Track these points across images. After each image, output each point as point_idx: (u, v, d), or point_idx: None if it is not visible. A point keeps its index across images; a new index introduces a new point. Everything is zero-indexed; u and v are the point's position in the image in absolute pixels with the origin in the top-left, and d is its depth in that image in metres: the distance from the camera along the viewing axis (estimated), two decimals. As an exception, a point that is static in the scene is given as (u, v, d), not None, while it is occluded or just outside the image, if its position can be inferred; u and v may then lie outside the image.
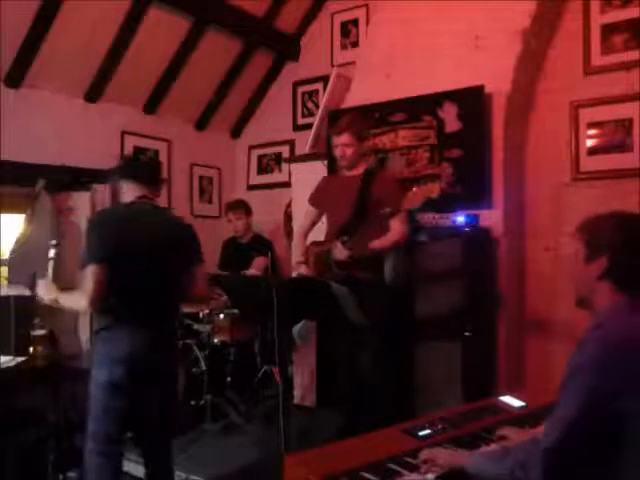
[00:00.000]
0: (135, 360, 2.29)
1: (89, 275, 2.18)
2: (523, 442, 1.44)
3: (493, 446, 1.65)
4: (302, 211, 4.28)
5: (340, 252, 2.99)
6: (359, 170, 3.22)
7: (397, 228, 3.06)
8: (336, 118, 3.96)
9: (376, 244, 3.04)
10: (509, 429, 1.74)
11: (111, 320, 2.31)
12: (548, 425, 1.35)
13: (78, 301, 2.27)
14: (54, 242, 2.53)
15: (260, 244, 4.51)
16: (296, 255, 3.42)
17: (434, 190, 2.70)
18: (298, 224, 3.55)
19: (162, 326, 2.42)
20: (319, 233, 3.44)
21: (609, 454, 1.28)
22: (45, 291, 2.40)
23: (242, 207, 4.58)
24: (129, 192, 2.47)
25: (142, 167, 2.64)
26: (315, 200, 3.42)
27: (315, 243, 3.35)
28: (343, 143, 3.17)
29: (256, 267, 4.26)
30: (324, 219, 3.41)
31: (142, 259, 2.32)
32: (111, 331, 2.31)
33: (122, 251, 2.27)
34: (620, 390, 1.28)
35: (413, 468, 1.51)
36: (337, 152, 3.22)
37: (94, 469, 2.35)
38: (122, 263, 2.25)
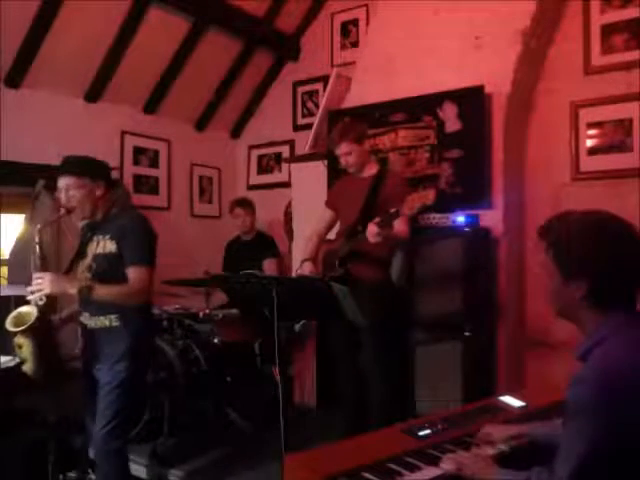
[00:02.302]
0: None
1: (147, 276, 2.39)
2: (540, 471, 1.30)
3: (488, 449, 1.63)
4: (302, 211, 4.30)
5: (372, 229, 2.92)
6: (371, 170, 3.23)
7: (399, 228, 3.06)
8: (336, 118, 3.97)
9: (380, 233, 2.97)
10: (492, 426, 1.72)
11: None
12: (561, 455, 1.24)
13: (130, 296, 2.37)
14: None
15: (264, 241, 4.57)
16: (303, 254, 3.41)
17: (429, 196, 2.72)
18: (312, 227, 3.52)
19: None
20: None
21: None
22: (67, 284, 2.35)
23: (249, 204, 4.67)
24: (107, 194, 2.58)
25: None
26: (330, 202, 3.43)
27: (327, 241, 3.36)
28: (344, 153, 3.18)
29: (267, 270, 4.29)
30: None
31: None
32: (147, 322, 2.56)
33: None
34: (631, 422, 1.16)
35: (413, 468, 1.51)
36: (342, 162, 3.23)
37: (121, 468, 2.50)
38: None
